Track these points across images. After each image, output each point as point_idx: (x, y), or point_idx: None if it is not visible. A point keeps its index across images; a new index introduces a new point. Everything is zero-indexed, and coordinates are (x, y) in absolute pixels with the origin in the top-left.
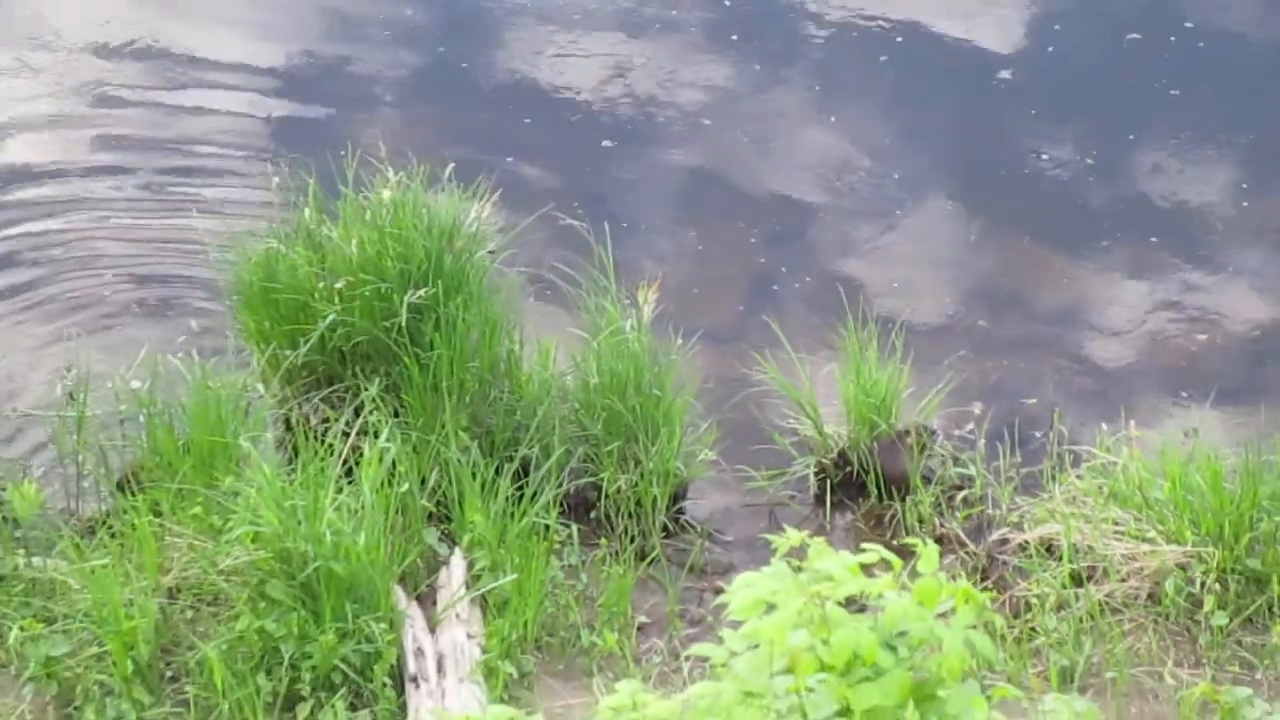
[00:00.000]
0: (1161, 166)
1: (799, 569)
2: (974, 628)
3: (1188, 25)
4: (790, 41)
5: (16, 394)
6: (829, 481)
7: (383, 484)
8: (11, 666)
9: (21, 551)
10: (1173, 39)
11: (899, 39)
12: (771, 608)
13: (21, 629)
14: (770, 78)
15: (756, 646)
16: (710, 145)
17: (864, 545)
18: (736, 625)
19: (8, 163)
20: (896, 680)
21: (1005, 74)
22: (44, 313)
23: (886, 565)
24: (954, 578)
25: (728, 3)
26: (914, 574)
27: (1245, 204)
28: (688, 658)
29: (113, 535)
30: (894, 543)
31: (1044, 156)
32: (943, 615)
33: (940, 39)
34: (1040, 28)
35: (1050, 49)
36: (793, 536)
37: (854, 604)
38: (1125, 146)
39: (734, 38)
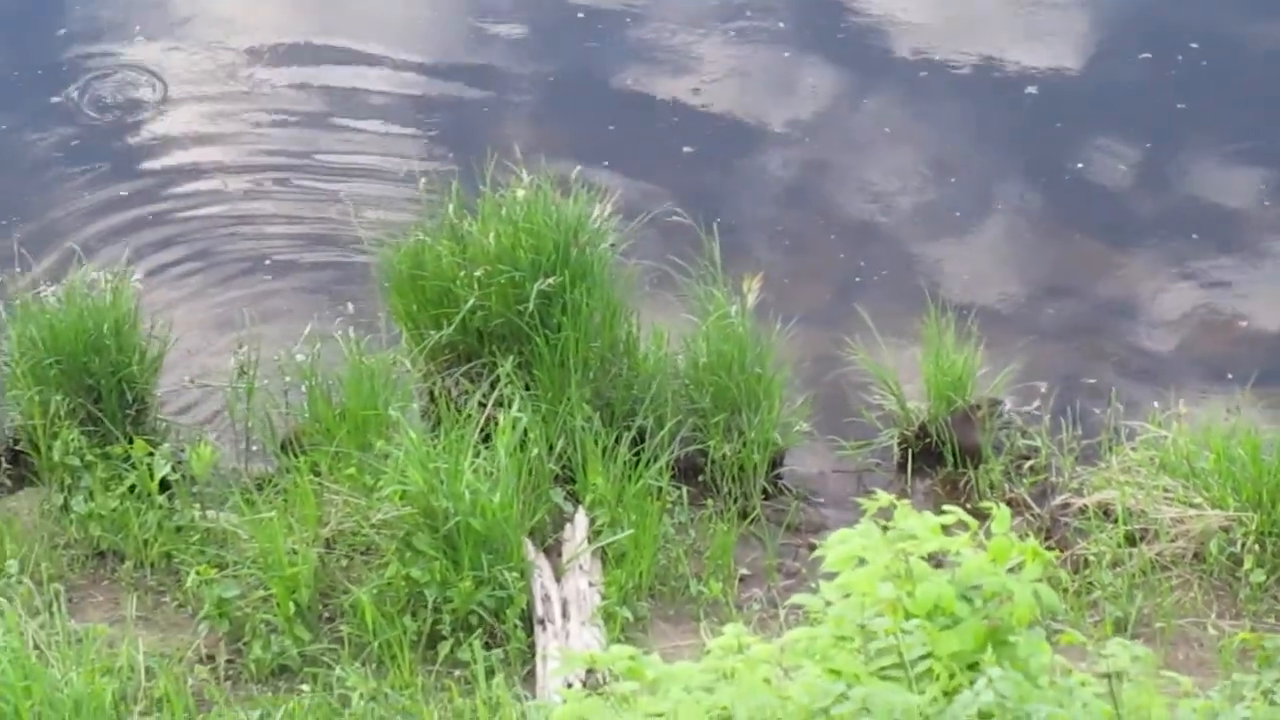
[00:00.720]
0: (1194, 172)
1: (886, 528)
2: (1040, 581)
3: (1193, 46)
4: (875, 58)
5: (195, 367)
6: (910, 451)
7: (515, 449)
8: (188, 606)
9: (198, 505)
10: (1180, 58)
11: (964, 59)
12: (862, 562)
13: (198, 573)
14: (857, 91)
15: (848, 596)
16: (805, 151)
17: (944, 508)
18: (831, 577)
19: (183, 164)
20: (973, 628)
21: (1057, 91)
22: (218, 297)
23: (963, 525)
24: (1022, 537)
25: (821, 21)
26: (987, 534)
27: (1265, 204)
28: (786, 606)
29: (277, 492)
30: (967, 506)
31: (1095, 164)
32: (1013, 570)
33: (1001, 62)
34: (1082, 52)
35: (1094, 68)
36: (881, 498)
37: (932, 559)
38: (1162, 154)
39: (825, 54)
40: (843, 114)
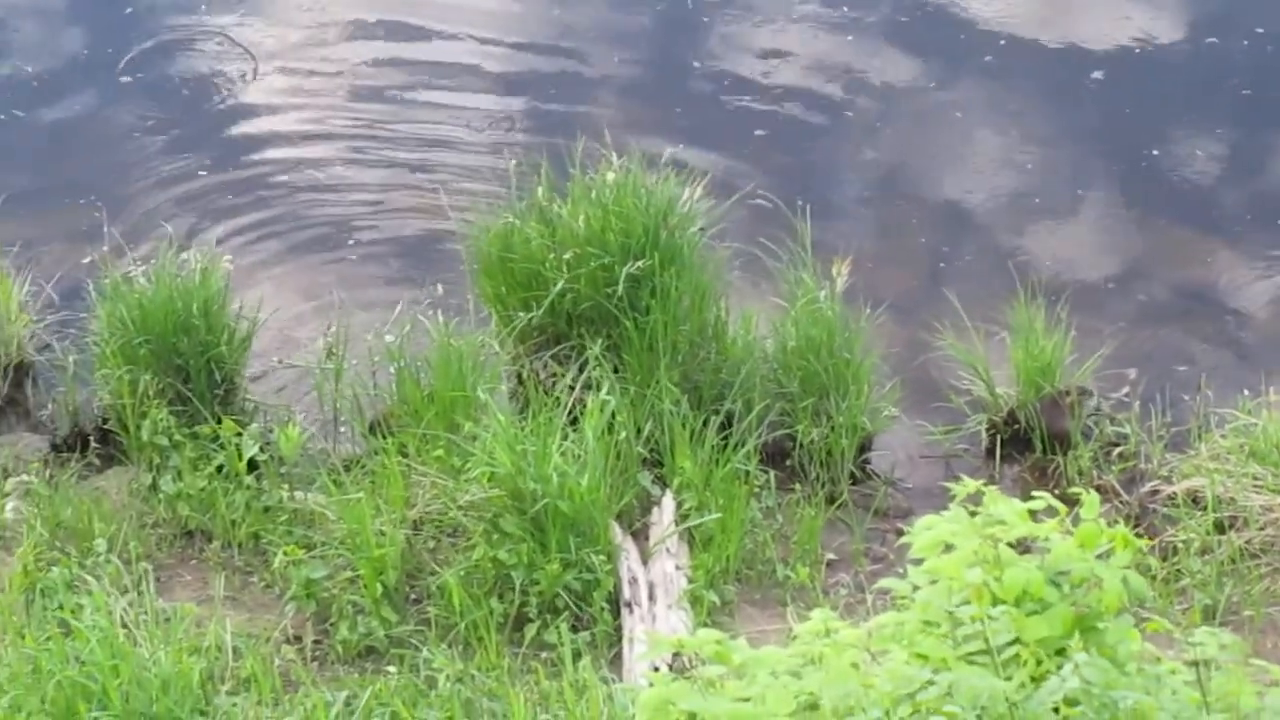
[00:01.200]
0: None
1: (974, 513)
2: (1129, 568)
3: (1259, 30)
4: (965, 45)
5: (285, 348)
6: (998, 437)
7: (603, 432)
8: (276, 587)
9: (286, 486)
10: (1245, 43)
11: (1050, 44)
12: (949, 547)
13: (285, 554)
14: (948, 76)
15: (936, 582)
16: (894, 136)
17: (1033, 493)
18: (918, 563)
19: (272, 144)
20: (1061, 614)
21: (1141, 76)
22: (306, 277)
23: (1052, 511)
24: (1111, 524)
25: (906, 5)
26: (1076, 520)
27: None
28: (873, 591)
29: (365, 473)
30: (1056, 492)
31: (1181, 150)
32: (1101, 556)
33: (1087, 46)
34: (1167, 35)
35: (1179, 52)
36: (970, 484)
37: (1020, 545)
38: (1250, 140)
39: (916, 38)
40: (930, 98)
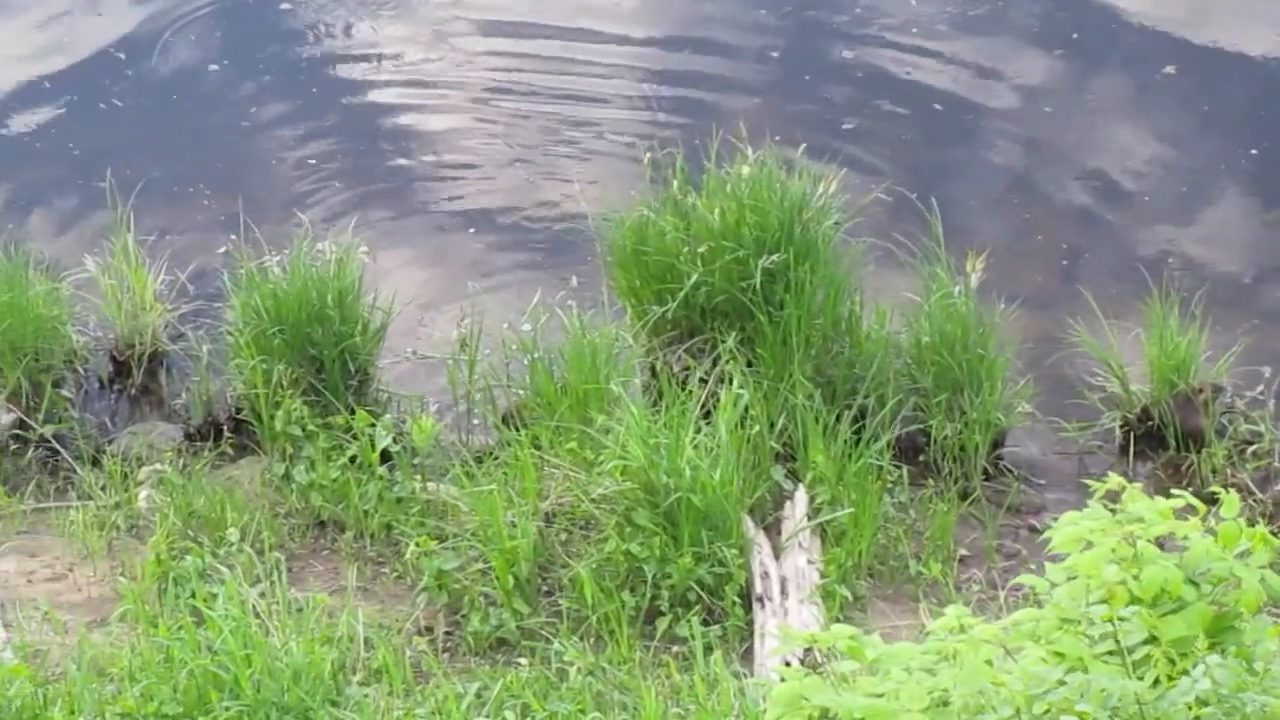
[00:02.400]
0: None
1: (1113, 510)
2: (1267, 568)
3: None
4: (1100, 42)
5: (419, 339)
6: (1132, 434)
7: (736, 426)
8: (408, 578)
9: (419, 477)
10: None
11: (1187, 40)
12: (1088, 544)
13: (417, 545)
14: (1082, 73)
15: (1074, 578)
16: (1028, 131)
17: (1172, 491)
18: (1056, 559)
19: (409, 136)
20: (1199, 613)
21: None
22: (441, 268)
23: (1190, 510)
24: (1251, 523)
25: (1046, 4)
26: (1214, 518)
27: None
28: (1006, 588)
29: (498, 465)
30: (1190, 490)
31: None
32: (1240, 556)
33: (1223, 43)
34: None
35: None
36: (1112, 480)
37: (1157, 544)
38: None
39: (1051, 36)
40: (1066, 94)
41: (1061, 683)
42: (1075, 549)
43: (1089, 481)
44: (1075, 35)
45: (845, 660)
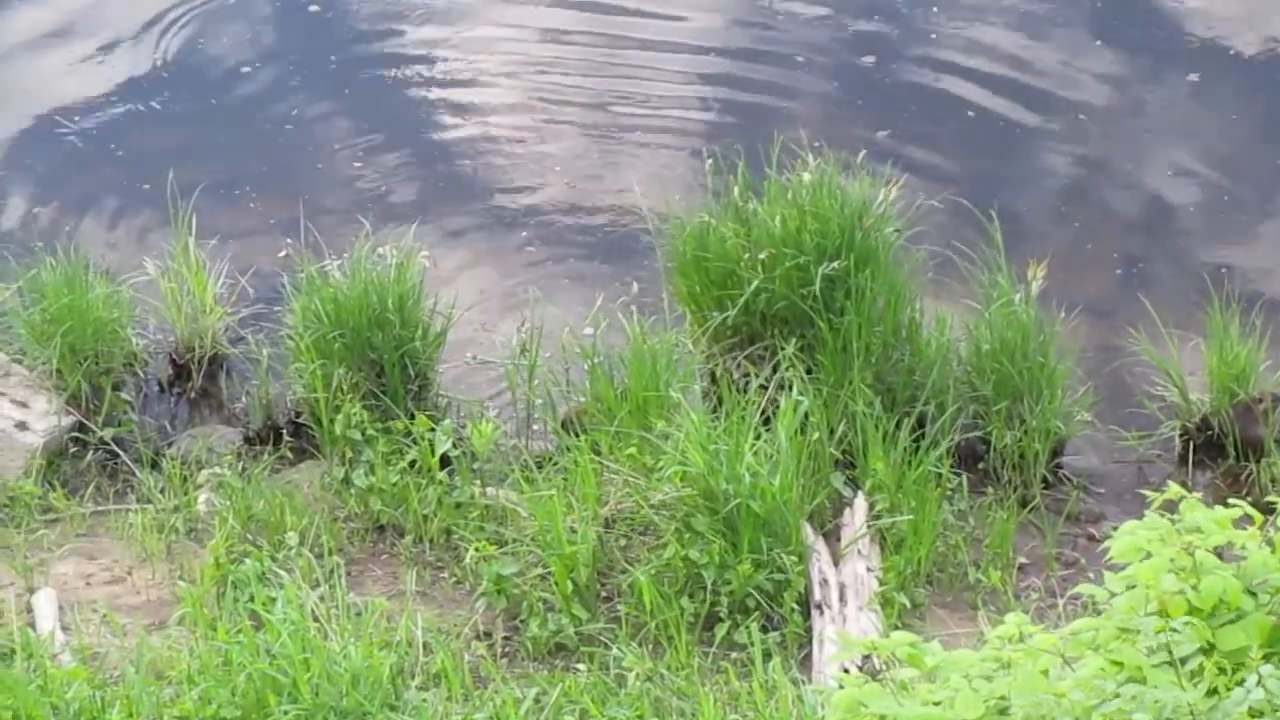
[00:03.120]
0: None
1: (1171, 520)
2: None
3: None
4: (1161, 50)
5: (478, 344)
6: (1191, 443)
7: (796, 432)
8: (466, 583)
9: (478, 482)
10: None
11: (1250, 48)
12: (1147, 554)
13: (476, 550)
14: (1144, 81)
15: (1133, 588)
16: (1089, 139)
17: (1230, 501)
18: (1114, 568)
19: (467, 139)
20: (1257, 623)
21: None
22: (500, 272)
23: (1248, 519)
24: None
25: (1105, 9)
26: (1273, 528)
27: None
28: (1065, 597)
29: (557, 470)
30: (1249, 500)
31: None
32: None
33: None
34: None
35: None
36: (1171, 489)
37: (1215, 553)
38: None
39: (1112, 44)
40: (1127, 102)
41: (1116, 694)
42: (1134, 558)
43: (1146, 491)
44: (1137, 43)
45: (904, 667)
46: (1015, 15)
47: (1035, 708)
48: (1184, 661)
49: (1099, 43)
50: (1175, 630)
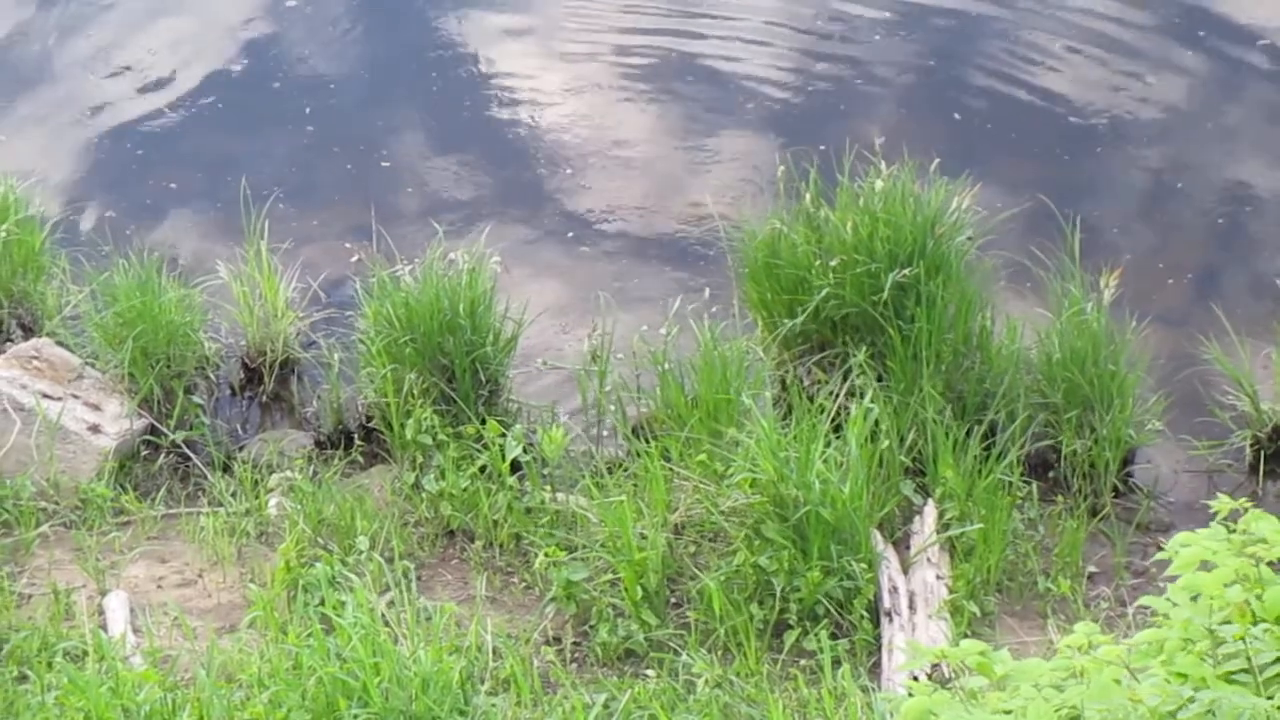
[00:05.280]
0: None
1: (1233, 531)
2: None
3: None
4: (1239, 57)
5: (549, 349)
6: (1262, 453)
7: (866, 440)
8: (536, 588)
9: (548, 488)
10: None
11: None
12: (1207, 565)
13: (546, 555)
14: (1220, 89)
15: (1196, 599)
16: (1166, 148)
17: None
18: (1176, 579)
19: (539, 146)
20: None
21: None
22: (574, 279)
23: None
24: None
25: (1183, 16)
26: None
27: None
28: (1135, 606)
29: (627, 476)
30: None
31: None
32: None
33: None
34: None
35: None
36: (1229, 501)
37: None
38: None
39: (1189, 52)
40: (1202, 111)
41: (1192, 700)
42: (1194, 569)
43: (1210, 502)
44: (1212, 52)
45: (973, 676)
46: (1091, 22)
47: (1110, 714)
48: (1260, 670)
49: (1175, 51)
50: (1256, 638)
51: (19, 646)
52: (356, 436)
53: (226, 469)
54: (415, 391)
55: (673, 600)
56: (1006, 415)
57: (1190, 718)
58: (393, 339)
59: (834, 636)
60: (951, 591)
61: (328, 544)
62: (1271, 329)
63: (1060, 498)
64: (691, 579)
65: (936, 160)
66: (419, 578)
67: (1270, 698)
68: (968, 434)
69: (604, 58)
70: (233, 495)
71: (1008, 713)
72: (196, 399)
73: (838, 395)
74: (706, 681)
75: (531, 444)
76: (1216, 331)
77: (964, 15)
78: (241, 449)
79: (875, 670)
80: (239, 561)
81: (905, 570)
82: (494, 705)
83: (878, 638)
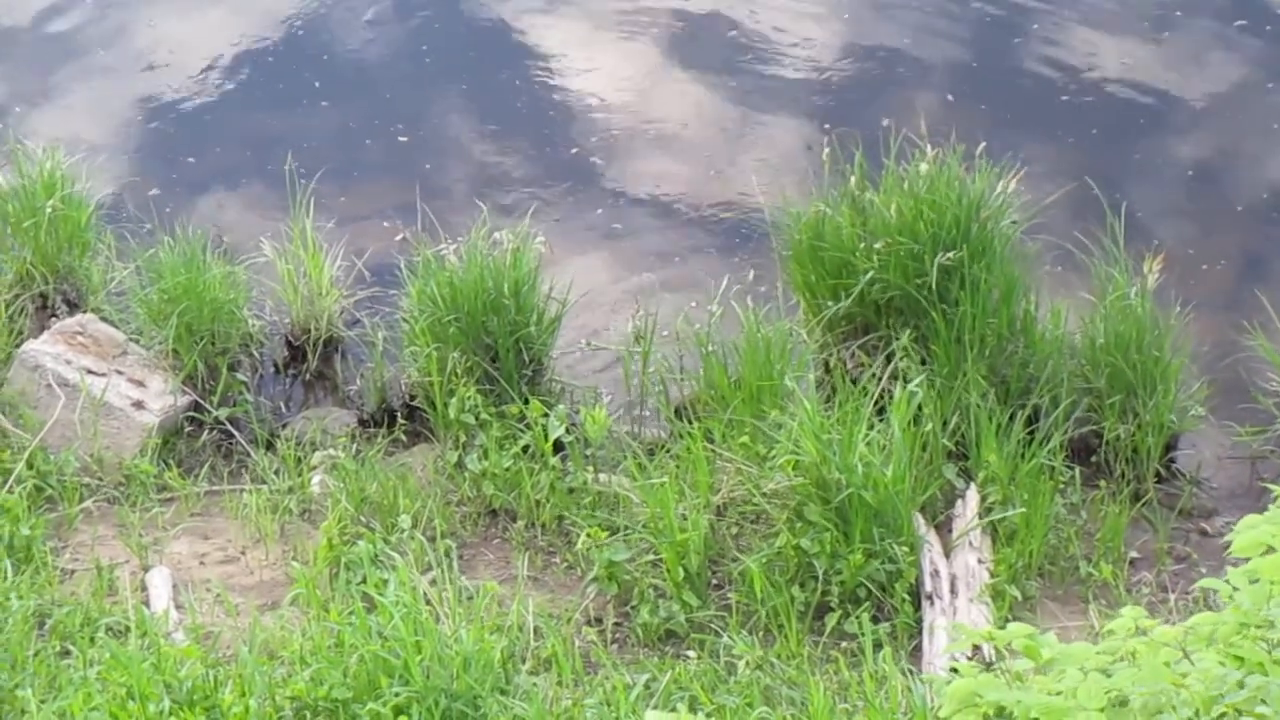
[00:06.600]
0: None
1: None
2: None
3: None
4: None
5: (593, 330)
6: None
7: (909, 423)
8: (578, 568)
9: (591, 468)
10: None
11: None
12: (1270, 549)
13: (589, 535)
14: (1268, 74)
15: (1255, 582)
16: (1210, 133)
17: None
18: (1234, 563)
19: (582, 127)
20: None
21: None
22: (618, 259)
23: None
24: None
25: (1236, 3)
26: None
27: None
28: (1178, 591)
29: (670, 457)
30: None
31: None
32: None
33: None
34: None
35: None
36: None
37: None
38: None
39: (1237, 36)
40: (1250, 95)
41: (1241, 684)
42: (1256, 553)
43: (1270, 485)
44: (1260, 37)
45: (1016, 660)
46: (1138, 6)
47: (1154, 697)
48: None
49: (1222, 36)
50: None
51: (62, 621)
52: (399, 415)
53: (270, 446)
54: (459, 371)
55: (714, 582)
56: (1050, 400)
57: (1239, 703)
58: (437, 318)
59: (875, 619)
60: (993, 575)
61: (370, 522)
62: None
63: (1102, 483)
64: (733, 560)
65: (982, 144)
66: (461, 557)
67: None
68: (1011, 418)
69: (650, 36)
70: (276, 473)
71: (1058, 694)
72: (240, 376)
73: (881, 378)
74: (747, 663)
75: (574, 424)
76: (1261, 318)
77: (1001, 8)
78: (285, 427)
79: (916, 654)
80: (281, 539)
81: (947, 554)
82: (535, 685)
83: (919, 621)
